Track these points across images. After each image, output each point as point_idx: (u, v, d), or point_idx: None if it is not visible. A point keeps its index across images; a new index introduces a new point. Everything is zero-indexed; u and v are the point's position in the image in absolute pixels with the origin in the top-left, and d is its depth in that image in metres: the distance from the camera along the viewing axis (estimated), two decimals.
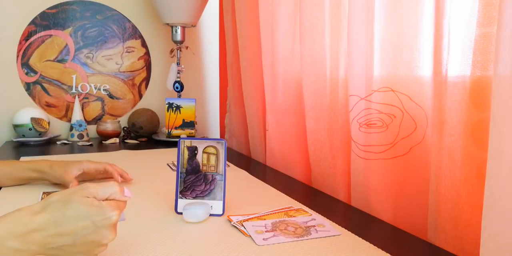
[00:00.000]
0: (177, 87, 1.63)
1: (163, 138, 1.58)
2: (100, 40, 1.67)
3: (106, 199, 0.52)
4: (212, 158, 0.76)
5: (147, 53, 1.74)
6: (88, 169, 0.91)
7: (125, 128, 1.66)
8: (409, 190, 0.79)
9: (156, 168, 1.13)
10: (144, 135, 1.66)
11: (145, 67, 1.75)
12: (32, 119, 1.48)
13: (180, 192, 0.77)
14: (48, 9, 1.59)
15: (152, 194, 0.88)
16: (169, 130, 1.56)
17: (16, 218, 0.47)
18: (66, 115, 1.66)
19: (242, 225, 0.70)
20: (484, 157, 0.56)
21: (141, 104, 1.76)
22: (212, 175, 0.76)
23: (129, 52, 1.72)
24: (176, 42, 1.59)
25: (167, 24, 1.55)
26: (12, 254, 0.46)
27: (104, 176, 0.95)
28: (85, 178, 0.92)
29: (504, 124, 0.48)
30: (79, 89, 1.66)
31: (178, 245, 0.63)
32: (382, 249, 0.62)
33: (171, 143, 1.53)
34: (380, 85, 0.80)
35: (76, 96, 1.64)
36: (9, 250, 0.46)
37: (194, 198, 0.76)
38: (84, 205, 0.49)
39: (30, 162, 0.91)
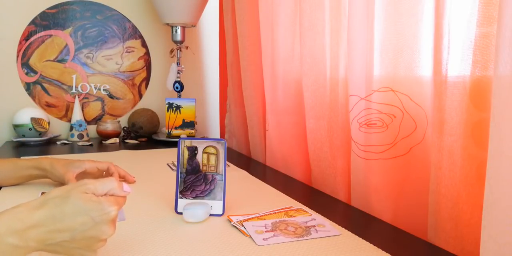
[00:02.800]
0: (177, 87, 1.62)
1: (163, 138, 1.58)
2: (100, 40, 1.67)
3: (105, 195, 0.52)
4: (212, 158, 0.76)
5: (147, 53, 1.74)
6: (91, 168, 0.91)
7: (125, 128, 1.66)
8: (409, 190, 0.79)
9: (156, 168, 1.13)
10: (144, 135, 1.66)
11: (145, 67, 1.75)
12: (32, 119, 1.48)
13: (180, 192, 0.77)
14: (48, 9, 1.59)
15: (152, 194, 0.88)
16: (169, 130, 1.56)
17: (15, 214, 0.47)
18: (66, 115, 1.66)
19: (242, 225, 0.70)
20: (484, 157, 0.56)
21: (141, 104, 1.76)
22: (212, 175, 0.76)
23: (129, 52, 1.71)
24: (176, 42, 1.59)
25: (167, 24, 1.55)
26: (11, 250, 0.46)
27: (106, 176, 0.95)
28: (87, 178, 0.92)
29: (504, 124, 0.48)
30: (79, 89, 1.66)
31: (178, 245, 0.63)
32: (382, 249, 0.62)
33: (171, 143, 1.53)
34: (380, 85, 0.80)
35: (76, 96, 1.64)
36: (8, 247, 0.45)
37: (194, 198, 0.76)
38: (83, 200, 0.49)
39: (31, 160, 0.91)
